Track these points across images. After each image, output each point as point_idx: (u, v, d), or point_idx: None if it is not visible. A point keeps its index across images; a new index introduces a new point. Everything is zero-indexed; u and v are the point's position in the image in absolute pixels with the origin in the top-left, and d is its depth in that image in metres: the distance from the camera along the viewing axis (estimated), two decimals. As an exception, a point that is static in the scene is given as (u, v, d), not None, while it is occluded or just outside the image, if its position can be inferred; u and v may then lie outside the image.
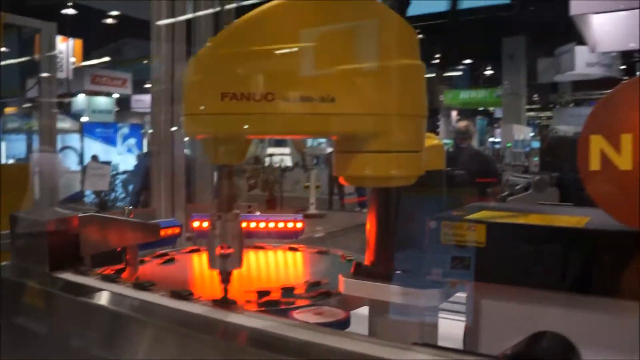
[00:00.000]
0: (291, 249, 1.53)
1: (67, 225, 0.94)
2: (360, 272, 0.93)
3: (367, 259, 0.95)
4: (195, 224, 1.49)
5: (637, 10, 6.56)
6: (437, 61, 16.86)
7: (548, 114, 20.33)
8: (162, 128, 1.94)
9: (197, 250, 1.45)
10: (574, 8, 5.92)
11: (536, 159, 8.16)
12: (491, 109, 21.40)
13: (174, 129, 1.92)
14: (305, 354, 0.59)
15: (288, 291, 1.07)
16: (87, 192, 7.32)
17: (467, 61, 19.03)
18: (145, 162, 5.79)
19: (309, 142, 14.74)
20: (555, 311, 0.71)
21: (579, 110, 15.76)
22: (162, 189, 1.91)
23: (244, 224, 1.54)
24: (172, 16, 1.96)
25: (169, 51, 1.92)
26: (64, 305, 0.83)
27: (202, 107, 0.70)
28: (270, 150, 14.01)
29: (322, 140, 14.36)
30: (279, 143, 14.99)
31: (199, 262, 1.37)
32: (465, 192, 1.13)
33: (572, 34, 7.71)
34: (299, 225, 1.55)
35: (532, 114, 21.03)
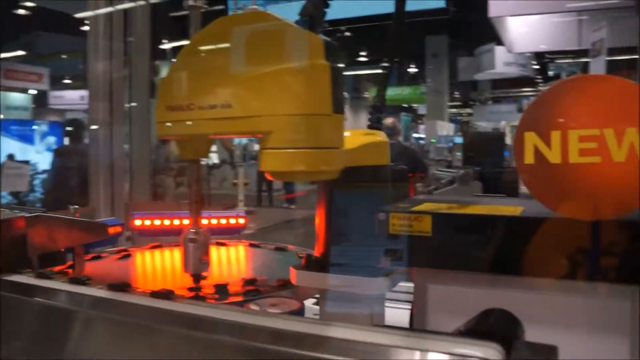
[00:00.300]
0: (252, 245, 1.55)
1: (13, 227, 0.92)
2: (311, 263, 0.97)
3: (317, 251, 0.99)
4: (137, 222, 1.47)
5: (548, 15, 6.96)
6: (364, 60, 17.19)
7: (469, 110, 21.16)
8: (101, 125, 1.89)
9: (159, 247, 1.47)
10: (493, 10, 6.20)
11: (459, 154, 8.48)
12: (415, 105, 22.04)
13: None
14: (278, 340, 0.62)
15: (249, 283, 1.12)
16: (3, 194, 6.94)
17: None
18: (60, 158, 5.45)
19: (237, 139, 14.65)
20: (496, 292, 0.78)
21: (497, 107, 16.51)
22: (102, 187, 1.87)
23: (186, 221, 1.56)
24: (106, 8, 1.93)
25: (107, 46, 1.88)
26: (20, 307, 0.81)
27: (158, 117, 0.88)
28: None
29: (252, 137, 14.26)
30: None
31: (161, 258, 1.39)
32: (400, 186, 1.18)
33: (492, 34, 8.08)
34: (242, 221, 1.58)
35: (453, 110, 21.83)
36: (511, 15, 6.75)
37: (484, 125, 15.42)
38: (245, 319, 0.71)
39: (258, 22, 0.84)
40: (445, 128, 15.00)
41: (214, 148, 13.73)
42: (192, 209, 0.99)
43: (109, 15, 1.90)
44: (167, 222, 1.48)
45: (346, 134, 1.00)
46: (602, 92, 0.76)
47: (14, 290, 0.83)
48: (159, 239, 1.55)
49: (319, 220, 0.99)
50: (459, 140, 10.68)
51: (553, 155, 0.77)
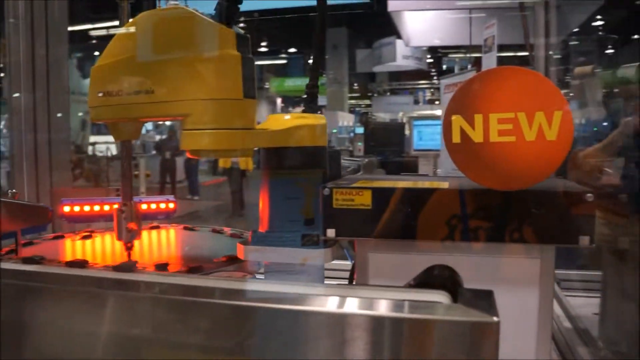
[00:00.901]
0: (186, 228, 1.59)
1: (-45, 209, 0.90)
2: (257, 239, 1.04)
3: (262, 227, 1.06)
4: (66, 208, 1.46)
5: (442, 12, 7.36)
6: (264, 50, 17.17)
7: (367, 102, 21.79)
8: (23, 110, 1.82)
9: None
10: (391, 5, 6.45)
11: (360, 143, 8.76)
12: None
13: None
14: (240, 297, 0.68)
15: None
16: None
17: (292, 50, 19.64)
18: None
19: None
20: (429, 257, 0.89)
21: (395, 99, 17.13)
22: (25, 174, 1.79)
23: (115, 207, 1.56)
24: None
25: (28, 29, 1.80)
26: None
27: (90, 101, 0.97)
28: (93, 138, 13.16)
29: (150, 127, 13.87)
30: (102, 131, 14.17)
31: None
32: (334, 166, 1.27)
33: (390, 28, 8.40)
34: (172, 205, 1.60)
35: (353, 102, 22.38)
36: (408, 10, 7.05)
37: (382, 115, 15.95)
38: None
39: (178, 17, 0.93)
40: (346, 119, 15.36)
41: (110, 138, 13.24)
42: (123, 183, 1.08)
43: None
44: (97, 207, 1.47)
45: (286, 117, 1.08)
46: (516, 82, 0.89)
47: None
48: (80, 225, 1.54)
49: (263, 199, 1.06)
50: (359, 130, 11.00)
51: (476, 135, 0.89)
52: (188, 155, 0.98)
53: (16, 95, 1.83)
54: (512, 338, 0.77)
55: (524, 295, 0.91)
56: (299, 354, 0.61)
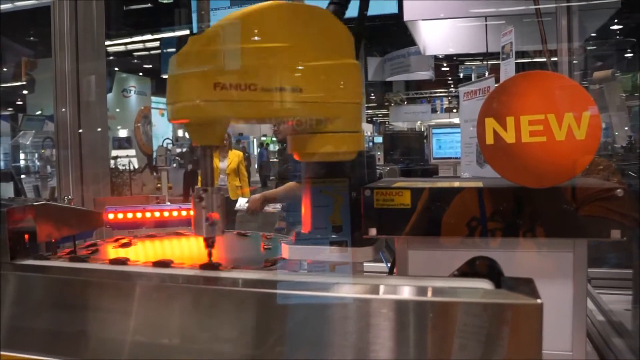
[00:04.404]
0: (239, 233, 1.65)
1: (25, 214, 0.97)
2: (301, 239, 1.09)
3: (305, 228, 1.11)
4: (110, 215, 1.53)
5: (455, 20, 7.40)
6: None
7: (384, 111, 21.81)
8: (70, 127, 1.91)
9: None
10: (407, 15, 6.50)
11: (379, 153, 8.83)
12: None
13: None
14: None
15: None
16: None
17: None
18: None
19: (156, 143, 14.35)
20: (467, 253, 0.94)
21: (412, 108, 17.08)
22: (72, 184, 1.87)
23: (157, 214, 1.63)
24: None
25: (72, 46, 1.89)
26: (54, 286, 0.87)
27: (196, 96, 0.81)
28: (114, 152, 13.35)
29: (169, 140, 14.02)
30: (122, 145, 14.38)
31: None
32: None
33: (406, 37, 8.47)
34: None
35: (370, 111, 22.43)
36: (423, 20, 7.10)
37: (400, 125, 15.96)
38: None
39: (323, 16, 0.91)
40: (365, 128, 15.37)
41: (132, 153, 13.43)
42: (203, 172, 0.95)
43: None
44: (139, 215, 1.54)
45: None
46: (545, 85, 0.94)
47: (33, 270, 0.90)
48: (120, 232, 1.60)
49: (305, 202, 1.12)
50: (378, 139, 11.05)
51: (509, 137, 0.94)
52: (295, 157, 0.97)
53: (63, 110, 1.92)
54: (548, 329, 0.82)
55: (558, 288, 0.95)
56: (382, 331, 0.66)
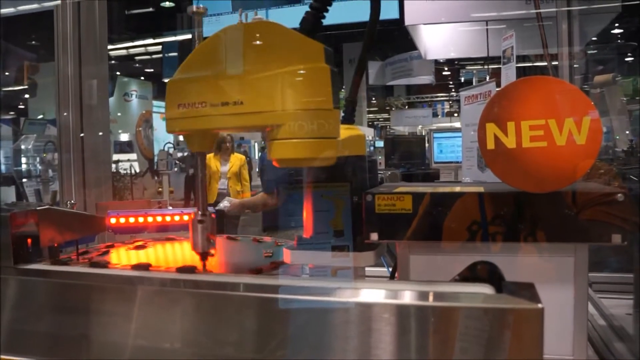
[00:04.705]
0: (229, 237, 1.65)
1: (28, 219, 0.98)
2: (302, 244, 1.10)
3: (306, 233, 1.12)
4: (113, 220, 1.53)
5: (456, 25, 7.42)
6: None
7: (385, 115, 21.83)
8: (72, 131, 1.92)
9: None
10: (408, 19, 6.52)
11: (380, 157, 8.84)
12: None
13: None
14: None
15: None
16: None
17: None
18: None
19: (157, 147, 14.37)
20: (467, 257, 0.94)
21: (413, 112, 17.09)
22: (74, 188, 1.88)
23: (159, 218, 1.63)
24: None
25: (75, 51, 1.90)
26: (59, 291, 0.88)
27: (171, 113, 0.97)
28: (116, 156, 13.37)
29: (171, 145, 14.06)
30: (124, 149, 14.39)
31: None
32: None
33: (407, 41, 8.49)
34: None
35: (371, 115, 22.45)
36: (424, 24, 7.11)
37: (401, 129, 15.96)
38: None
39: (269, 30, 0.95)
40: (366, 132, 15.36)
41: (134, 157, 13.45)
42: (198, 195, 1.07)
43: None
44: (141, 219, 1.55)
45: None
46: (546, 90, 0.95)
47: (39, 275, 0.90)
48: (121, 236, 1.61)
49: (307, 207, 1.12)
50: (380, 144, 11.06)
51: (509, 142, 0.95)
52: (274, 163, 0.98)
53: (65, 114, 1.93)
54: (549, 333, 0.82)
55: (559, 293, 0.96)
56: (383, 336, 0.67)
